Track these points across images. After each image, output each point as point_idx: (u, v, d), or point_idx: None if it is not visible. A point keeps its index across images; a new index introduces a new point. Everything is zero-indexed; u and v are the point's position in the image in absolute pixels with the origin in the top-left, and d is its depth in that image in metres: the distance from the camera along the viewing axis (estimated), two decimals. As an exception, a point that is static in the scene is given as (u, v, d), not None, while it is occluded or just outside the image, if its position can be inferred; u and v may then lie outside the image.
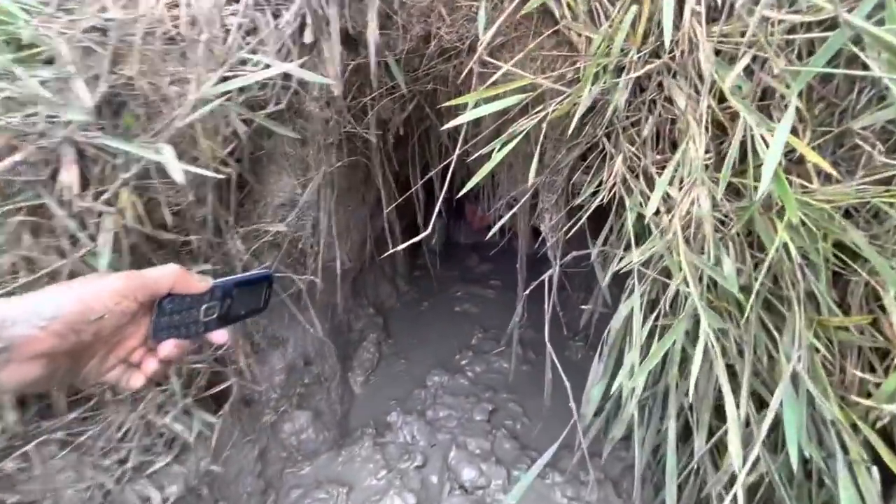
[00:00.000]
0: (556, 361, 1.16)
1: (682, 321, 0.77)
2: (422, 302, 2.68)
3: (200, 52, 0.83)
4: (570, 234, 1.12)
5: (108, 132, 0.76)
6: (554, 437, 1.02)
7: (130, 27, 0.80)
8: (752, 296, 0.69)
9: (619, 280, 1.07)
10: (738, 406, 0.79)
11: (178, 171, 0.70)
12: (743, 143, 0.78)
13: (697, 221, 0.81)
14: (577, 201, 1.05)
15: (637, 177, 1.00)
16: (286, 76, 1.06)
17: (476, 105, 0.95)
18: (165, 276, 0.48)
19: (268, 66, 0.87)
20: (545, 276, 1.29)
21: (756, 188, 0.85)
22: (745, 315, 0.72)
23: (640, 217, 0.97)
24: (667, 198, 0.89)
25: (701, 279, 0.80)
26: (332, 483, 1.40)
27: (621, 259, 0.94)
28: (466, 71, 1.10)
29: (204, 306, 0.52)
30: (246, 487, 1.26)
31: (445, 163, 1.06)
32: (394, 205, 1.64)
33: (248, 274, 0.58)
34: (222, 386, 1.12)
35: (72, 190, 0.77)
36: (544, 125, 0.97)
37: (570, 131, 0.97)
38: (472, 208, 3.02)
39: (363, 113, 1.34)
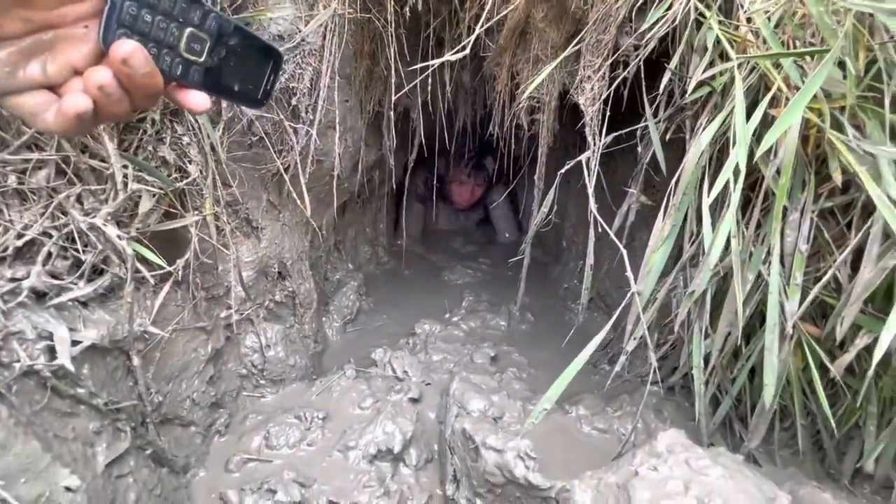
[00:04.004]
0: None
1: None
2: (403, 271, 2.43)
3: None
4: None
5: None
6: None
7: None
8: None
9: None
10: None
11: None
12: None
13: None
14: (643, 26, 0.90)
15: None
16: None
17: None
18: None
19: None
20: (582, 157, 1.13)
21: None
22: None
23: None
24: None
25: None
26: (304, 408, 1.08)
27: (710, 66, 0.78)
28: None
29: (189, 29, 0.35)
30: (191, 390, 0.94)
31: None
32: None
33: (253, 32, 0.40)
34: (176, 224, 0.84)
35: None
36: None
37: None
38: (462, 182, 2.81)
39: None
